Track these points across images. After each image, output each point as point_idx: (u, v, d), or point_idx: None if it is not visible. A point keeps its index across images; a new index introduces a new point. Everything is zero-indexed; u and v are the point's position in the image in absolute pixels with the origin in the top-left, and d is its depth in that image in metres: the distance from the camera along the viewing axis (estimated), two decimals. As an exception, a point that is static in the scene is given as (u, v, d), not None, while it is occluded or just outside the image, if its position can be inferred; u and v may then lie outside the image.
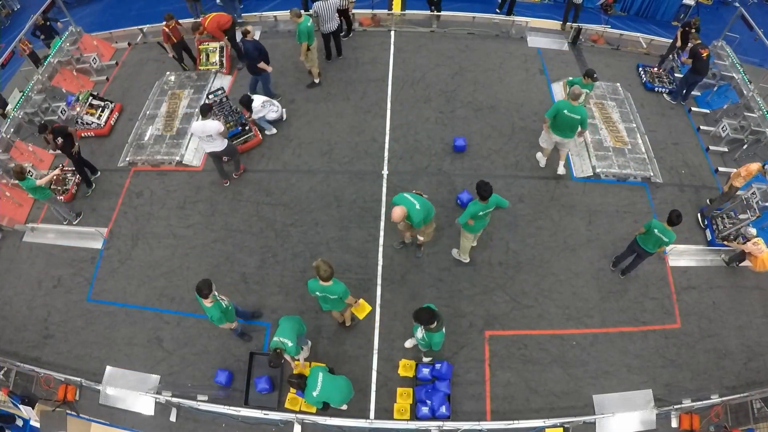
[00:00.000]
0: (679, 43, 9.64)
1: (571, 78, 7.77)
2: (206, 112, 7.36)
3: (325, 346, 6.70)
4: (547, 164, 8.36)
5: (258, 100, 8.42)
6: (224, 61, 10.01)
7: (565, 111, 7.19)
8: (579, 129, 7.40)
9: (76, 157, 7.90)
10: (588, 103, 7.87)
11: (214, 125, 7.30)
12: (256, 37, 10.57)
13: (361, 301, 6.96)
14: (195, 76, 9.84)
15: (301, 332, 5.86)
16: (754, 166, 7.20)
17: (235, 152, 8.10)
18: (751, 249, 6.93)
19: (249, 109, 8.02)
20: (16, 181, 7.27)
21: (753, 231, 7.20)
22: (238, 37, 9.22)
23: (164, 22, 9.29)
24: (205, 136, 7.37)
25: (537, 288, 7.21)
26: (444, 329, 5.55)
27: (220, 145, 7.54)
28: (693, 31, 9.35)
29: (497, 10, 11.98)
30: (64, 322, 7.11)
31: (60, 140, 7.53)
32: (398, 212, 5.93)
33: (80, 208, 8.13)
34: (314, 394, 5.20)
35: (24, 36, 9.63)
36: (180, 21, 9.48)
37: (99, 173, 8.48)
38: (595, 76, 7.61)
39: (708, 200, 7.94)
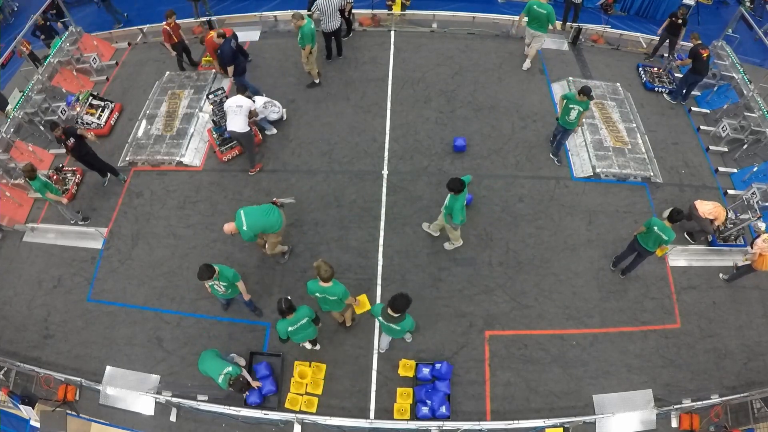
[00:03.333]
0: (662, 28, 9.74)
1: (567, 93, 7.62)
2: (243, 90, 7.65)
3: (325, 346, 6.70)
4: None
5: (259, 101, 8.44)
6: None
7: (534, 6, 9.00)
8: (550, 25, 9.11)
9: (92, 155, 7.90)
10: (584, 117, 7.94)
11: (248, 101, 7.55)
12: (256, 38, 10.65)
13: (361, 297, 6.94)
14: (195, 76, 9.83)
15: (219, 354, 6.11)
16: (722, 215, 7.31)
17: (251, 145, 8.12)
18: (762, 247, 6.72)
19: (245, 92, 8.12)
20: (26, 180, 7.15)
21: (762, 226, 7.03)
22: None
23: (165, 21, 9.22)
24: (235, 106, 7.52)
25: (537, 288, 7.21)
26: (398, 327, 5.36)
27: (241, 125, 7.59)
28: (680, 21, 9.38)
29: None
30: (64, 322, 7.11)
31: (72, 140, 7.53)
32: (227, 228, 6.34)
33: (79, 206, 8.11)
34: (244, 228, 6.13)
35: (23, 36, 9.61)
36: (179, 22, 9.45)
37: (120, 175, 8.42)
38: (591, 94, 7.42)
39: (688, 236, 7.78)
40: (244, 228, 6.22)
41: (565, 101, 7.68)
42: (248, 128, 7.70)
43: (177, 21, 9.38)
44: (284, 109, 9.04)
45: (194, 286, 7.23)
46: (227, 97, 8.29)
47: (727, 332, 6.95)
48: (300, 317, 5.48)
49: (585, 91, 7.40)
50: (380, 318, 5.40)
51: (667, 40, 9.97)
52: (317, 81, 9.55)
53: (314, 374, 6.46)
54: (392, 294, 6.92)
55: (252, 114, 7.67)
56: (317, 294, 5.63)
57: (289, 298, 5.43)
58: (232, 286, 6.07)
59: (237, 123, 7.59)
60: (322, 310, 6.13)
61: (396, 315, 5.14)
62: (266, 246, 6.95)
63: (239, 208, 6.40)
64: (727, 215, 7.45)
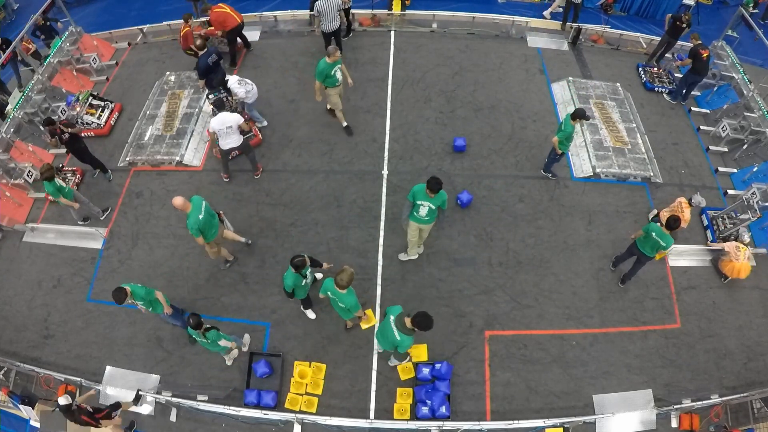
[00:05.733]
0: (666, 28, 9.66)
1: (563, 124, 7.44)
2: (221, 106, 7.50)
3: (325, 346, 6.71)
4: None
5: (233, 78, 8.29)
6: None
7: None
8: None
9: (82, 151, 7.91)
10: (583, 125, 7.84)
11: (235, 117, 7.40)
12: (256, 38, 10.65)
13: (369, 312, 6.90)
14: (195, 76, 9.82)
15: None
16: (687, 213, 7.32)
17: (250, 149, 8.09)
18: (731, 249, 7.01)
19: (221, 109, 7.93)
20: (39, 180, 7.03)
21: (746, 239, 7.23)
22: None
23: (185, 23, 9.13)
24: (226, 128, 7.34)
25: (537, 288, 7.21)
26: (399, 338, 5.23)
27: (237, 140, 7.51)
28: (684, 26, 9.35)
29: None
30: (64, 322, 7.11)
31: (67, 135, 7.54)
32: (179, 200, 6.14)
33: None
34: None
35: (26, 35, 9.62)
36: (179, 22, 9.45)
37: (110, 172, 8.46)
38: (587, 115, 7.14)
39: None
40: (200, 216, 6.12)
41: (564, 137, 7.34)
42: (242, 138, 7.63)
43: (178, 21, 9.38)
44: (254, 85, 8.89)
45: (194, 286, 7.24)
46: (227, 98, 8.30)
47: (727, 332, 6.95)
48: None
49: (580, 115, 7.14)
50: (392, 319, 5.21)
51: (666, 43, 9.94)
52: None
53: (314, 374, 6.46)
54: (392, 294, 7.04)
55: (242, 127, 7.55)
56: (329, 293, 5.60)
57: (303, 260, 5.63)
58: (152, 303, 5.91)
59: (233, 140, 7.48)
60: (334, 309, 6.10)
61: (409, 328, 5.05)
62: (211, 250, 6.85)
63: (199, 197, 6.33)
64: (689, 205, 7.47)
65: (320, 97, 8.16)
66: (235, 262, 7.39)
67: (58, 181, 7.09)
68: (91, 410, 5.57)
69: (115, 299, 5.59)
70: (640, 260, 6.70)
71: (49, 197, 8.11)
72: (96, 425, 5.64)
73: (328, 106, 8.90)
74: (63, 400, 5.41)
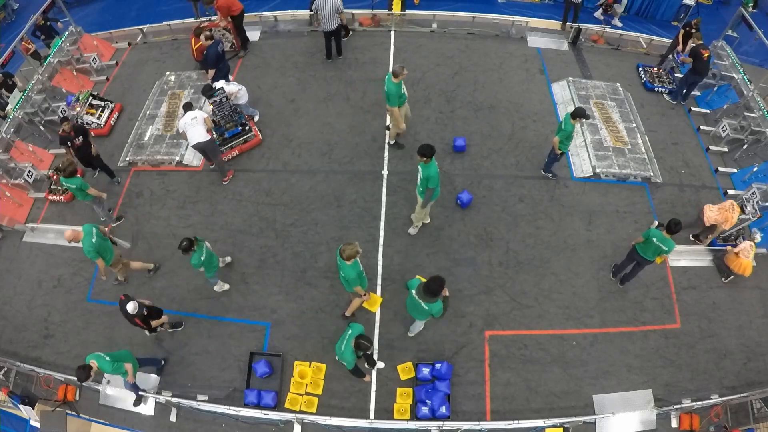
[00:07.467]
0: (680, 47, 9.61)
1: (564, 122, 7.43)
2: (188, 108, 7.61)
3: (325, 346, 6.70)
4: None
5: (220, 84, 8.37)
6: (234, 43, 10.17)
7: None
8: None
9: (95, 157, 7.96)
10: (583, 124, 7.84)
11: (200, 112, 7.58)
12: (256, 38, 10.66)
13: (376, 298, 6.91)
14: (195, 76, 9.83)
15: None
16: (735, 216, 7.16)
17: (218, 153, 8.08)
18: (741, 249, 7.02)
19: (210, 96, 8.04)
20: (62, 178, 6.86)
21: (758, 237, 7.16)
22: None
23: (197, 37, 9.10)
24: (190, 119, 7.44)
25: (537, 288, 7.21)
26: (427, 307, 5.38)
27: (202, 134, 7.48)
28: (694, 31, 9.35)
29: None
30: (64, 322, 7.12)
31: (80, 139, 7.58)
32: (68, 233, 6.25)
33: (81, 206, 8.11)
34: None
35: (25, 35, 9.61)
36: (179, 22, 9.47)
37: (116, 177, 8.43)
38: (586, 113, 7.16)
39: (691, 236, 7.73)
40: (93, 240, 6.22)
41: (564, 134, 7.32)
42: (209, 136, 7.62)
43: (178, 21, 9.40)
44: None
45: (194, 287, 7.24)
46: (227, 98, 8.30)
47: (727, 332, 6.95)
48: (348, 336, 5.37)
49: (579, 113, 7.11)
50: (413, 293, 5.47)
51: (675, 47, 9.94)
52: (392, 142, 8.66)
53: (314, 374, 6.47)
54: (392, 295, 7.04)
55: (207, 122, 7.55)
56: (337, 261, 5.71)
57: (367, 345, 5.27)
58: (118, 369, 5.62)
59: (198, 133, 7.47)
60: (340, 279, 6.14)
61: (429, 297, 5.25)
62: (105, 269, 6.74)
63: (90, 224, 6.35)
64: (741, 212, 7.32)
65: (403, 124, 7.89)
66: (125, 283, 7.33)
67: (78, 177, 7.03)
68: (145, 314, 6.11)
69: (79, 378, 5.25)
70: (640, 264, 6.69)
71: (50, 197, 8.19)
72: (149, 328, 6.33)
73: (392, 141, 8.55)
74: (131, 306, 5.83)
